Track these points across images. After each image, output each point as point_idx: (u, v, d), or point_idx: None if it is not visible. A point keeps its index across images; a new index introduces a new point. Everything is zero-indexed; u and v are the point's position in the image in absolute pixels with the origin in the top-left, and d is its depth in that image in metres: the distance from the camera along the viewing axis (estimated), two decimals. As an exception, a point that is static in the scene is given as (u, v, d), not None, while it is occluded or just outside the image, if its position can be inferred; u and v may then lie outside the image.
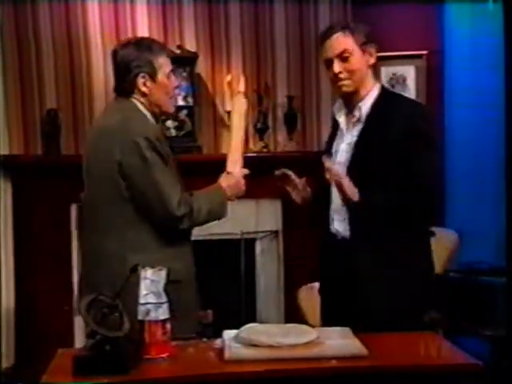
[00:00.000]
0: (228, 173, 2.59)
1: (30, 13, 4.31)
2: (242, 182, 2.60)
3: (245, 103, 2.68)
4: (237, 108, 2.68)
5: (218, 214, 2.53)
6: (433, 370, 2.01)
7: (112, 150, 2.40)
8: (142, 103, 2.50)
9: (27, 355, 4.23)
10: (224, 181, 2.57)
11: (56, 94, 4.36)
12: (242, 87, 2.71)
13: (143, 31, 4.37)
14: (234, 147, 2.64)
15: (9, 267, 4.32)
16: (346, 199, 2.40)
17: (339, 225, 2.55)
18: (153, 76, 2.48)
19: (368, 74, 2.54)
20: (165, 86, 2.51)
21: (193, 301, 2.55)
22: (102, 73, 4.36)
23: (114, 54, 2.53)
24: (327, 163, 2.39)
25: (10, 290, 4.33)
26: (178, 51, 4.32)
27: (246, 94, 2.72)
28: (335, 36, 2.51)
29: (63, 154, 4.29)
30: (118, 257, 2.40)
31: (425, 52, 4.59)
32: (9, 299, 4.31)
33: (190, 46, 4.44)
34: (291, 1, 4.50)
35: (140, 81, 2.47)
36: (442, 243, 4.05)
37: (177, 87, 2.64)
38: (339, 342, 2.10)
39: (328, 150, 2.63)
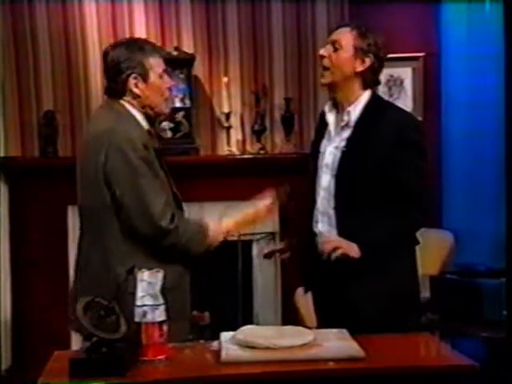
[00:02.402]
0: (220, 221, 2.51)
1: (27, 14, 4.30)
2: (221, 236, 2.50)
3: (268, 212, 2.57)
4: (262, 212, 2.56)
5: (194, 248, 2.44)
6: (429, 372, 2.02)
7: (98, 157, 2.35)
8: (133, 105, 2.45)
9: (24, 357, 4.23)
10: (212, 224, 2.48)
11: (53, 96, 4.35)
12: (269, 202, 2.56)
13: (141, 33, 4.36)
14: (243, 213, 2.54)
15: (5, 269, 4.31)
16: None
17: (323, 227, 2.56)
18: (144, 77, 2.43)
19: (353, 81, 2.53)
20: (157, 87, 2.46)
21: (185, 306, 2.53)
22: (99, 74, 4.35)
23: (105, 55, 2.48)
24: (323, 241, 2.44)
25: (7, 292, 4.32)
26: (175, 53, 4.32)
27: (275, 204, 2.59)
28: (343, 28, 2.55)
29: (60, 156, 4.29)
30: (104, 265, 2.38)
31: (422, 54, 4.60)
32: (5, 301, 4.31)
33: (188, 47, 4.44)
34: (288, 2, 4.51)
35: (131, 82, 2.42)
36: (439, 245, 4.07)
37: (170, 88, 2.56)
38: (336, 343, 2.10)
39: (315, 151, 2.64)
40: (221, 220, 2.51)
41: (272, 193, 2.56)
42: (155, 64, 2.45)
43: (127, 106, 2.45)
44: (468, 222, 4.46)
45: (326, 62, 2.54)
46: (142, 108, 2.46)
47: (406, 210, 2.46)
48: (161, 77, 2.47)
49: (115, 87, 2.45)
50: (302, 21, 4.52)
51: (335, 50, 2.52)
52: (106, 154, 2.34)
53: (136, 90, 2.43)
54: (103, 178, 2.36)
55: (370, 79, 2.55)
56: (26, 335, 4.29)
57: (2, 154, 4.31)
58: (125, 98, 2.45)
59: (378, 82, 2.62)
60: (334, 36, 2.54)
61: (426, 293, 3.61)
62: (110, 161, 2.34)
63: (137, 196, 2.33)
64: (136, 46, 2.46)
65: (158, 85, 2.46)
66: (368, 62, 2.51)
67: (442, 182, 4.57)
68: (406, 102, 4.53)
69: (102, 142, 2.36)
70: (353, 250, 2.39)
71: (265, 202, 2.55)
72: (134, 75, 2.42)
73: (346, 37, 2.51)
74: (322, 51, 2.55)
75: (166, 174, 2.49)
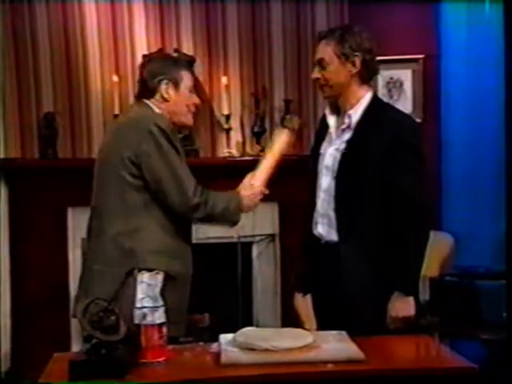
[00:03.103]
0: (251, 184, 2.63)
1: (27, 15, 4.30)
2: (259, 197, 2.64)
3: (288, 139, 2.67)
4: (281, 140, 2.69)
5: (231, 216, 2.57)
6: (429, 374, 2.01)
7: (128, 142, 2.45)
8: (159, 108, 2.56)
9: (23, 359, 4.23)
10: (244, 190, 2.61)
11: (53, 97, 4.36)
12: (296, 125, 2.68)
13: (140, 35, 4.38)
14: (265, 167, 2.69)
15: (5, 271, 4.31)
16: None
17: (323, 228, 2.56)
18: (176, 85, 2.57)
19: (353, 83, 2.53)
20: (186, 98, 2.60)
21: (186, 301, 2.57)
22: (99, 76, 4.36)
23: (142, 67, 2.67)
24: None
25: (7, 294, 4.32)
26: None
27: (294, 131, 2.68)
28: (321, 42, 2.57)
29: (60, 158, 4.29)
30: (115, 239, 2.46)
31: (421, 56, 4.60)
32: (5, 303, 4.30)
33: (187, 49, 4.44)
34: (288, 3, 4.51)
35: (163, 87, 2.56)
36: (439, 247, 4.06)
37: (197, 106, 2.67)
38: (336, 345, 2.10)
39: (315, 152, 2.65)
40: (250, 182, 2.64)
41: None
42: (186, 77, 2.61)
43: (153, 106, 2.56)
44: (468, 223, 4.45)
45: (321, 82, 2.57)
46: (168, 115, 2.56)
47: (405, 225, 2.45)
48: (190, 91, 2.62)
49: (146, 90, 2.59)
50: (302, 22, 4.52)
51: (323, 68, 2.54)
52: (136, 138, 2.44)
53: (166, 96, 2.57)
54: (131, 160, 2.43)
55: (366, 74, 2.56)
56: (25, 337, 4.29)
57: (2, 156, 4.32)
58: (153, 99, 2.57)
59: (376, 72, 2.63)
60: (316, 57, 2.57)
61: (425, 295, 3.61)
62: (141, 143, 2.43)
63: (171, 175, 2.44)
64: (172, 59, 2.70)
65: (186, 96, 2.61)
66: (358, 61, 2.51)
67: (442, 183, 4.57)
68: (405, 103, 4.53)
69: (130, 129, 2.49)
70: (412, 308, 2.44)
71: (279, 140, 2.69)
72: (165, 81, 2.56)
73: (326, 50, 2.53)
74: (313, 75, 2.59)
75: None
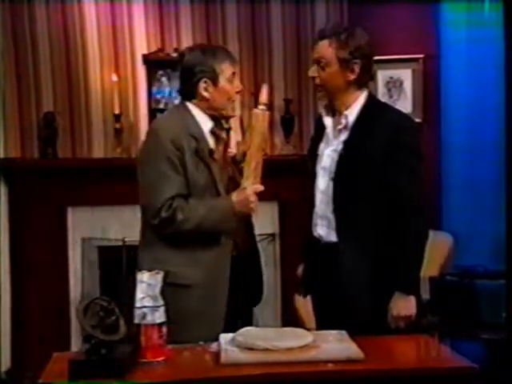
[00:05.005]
0: (243, 188, 2.50)
1: (27, 15, 4.30)
2: (252, 199, 2.48)
3: (265, 118, 2.59)
4: (255, 124, 2.58)
5: (214, 224, 2.48)
6: (429, 374, 2.01)
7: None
8: (198, 107, 2.56)
9: (23, 359, 4.23)
10: (235, 195, 2.50)
11: (53, 97, 4.35)
12: (264, 97, 2.60)
13: (140, 35, 4.38)
14: (249, 162, 2.54)
15: (5, 270, 4.31)
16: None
17: (323, 230, 2.56)
18: (214, 81, 2.53)
19: (348, 88, 2.52)
20: (226, 91, 2.56)
21: (208, 308, 2.53)
22: (98, 76, 4.36)
23: (181, 57, 2.63)
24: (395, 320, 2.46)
25: (7, 293, 4.32)
26: (174, 54, 4.31)
27: (268, 105, 2.61)
28: (322, 41, 2.53)
29: (60, 158, 4.28)
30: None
31: (421, 55, 4.60)
32: (5, 303, 4.30)
33: (187, 49, 4.44)
34: (288, 3, 4.51)
35: (202, 86, 2.53)
36: (439, 246, 4.06)
37: (239, 92, 2.63)
38: (336, 345, 2.10)
39: (312, 153, 2.64)
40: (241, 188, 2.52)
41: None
42: (226, 69, 2.55)
43: (190, 106, 2.57)
44: (468, 223, 4.45)
45: (317, 81, 2.55)
46: (209, 110, 2.56)
47: (404, 225, 2.45)
48: (230, 81, 2.57)
49: (186, 89, 2.58)
50: (302, 22, 4.52)
51: (322, 68, 2.52)
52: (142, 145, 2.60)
53: (205, 94, 2.54)
54: None
55: (364, 80, 2.55)
56: (25, 337, 4.29)
57: (2, 156, 4.31)
58: (194, 100, 2.57)
59: (372, 77, 2.63)
60: (316, 55, 2.53)
61: (425, 294, 3.61)
62: (138, 156, 2.60)
63: (148, 186, 2.47)
64: (210, 51, 2.58)
65: (227, 89, 2.56)
66: (357, 68, 2.49)
67: (442, 183, 4.57)
68: (405, 103, 4.53)
69: (145, 140, 2.60)
70: (413, 307, 2.46)
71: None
72: (204, 79, 2.53)
73: (328, 51, 2.49)
74: (310, 73, 2.56)
75: (214, 179, 2.51)
